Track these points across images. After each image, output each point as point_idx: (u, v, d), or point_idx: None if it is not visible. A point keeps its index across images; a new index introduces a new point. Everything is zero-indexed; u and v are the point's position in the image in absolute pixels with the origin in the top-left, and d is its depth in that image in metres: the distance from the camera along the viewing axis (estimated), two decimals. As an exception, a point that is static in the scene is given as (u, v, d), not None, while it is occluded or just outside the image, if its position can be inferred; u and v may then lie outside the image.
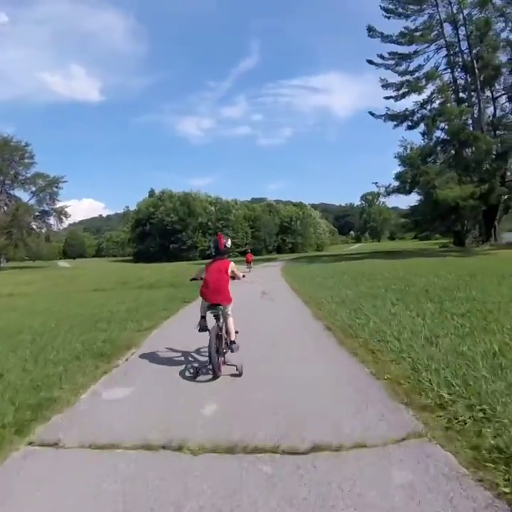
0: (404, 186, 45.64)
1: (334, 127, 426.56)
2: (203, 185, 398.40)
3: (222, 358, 6.20)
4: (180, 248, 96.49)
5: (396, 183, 46.66)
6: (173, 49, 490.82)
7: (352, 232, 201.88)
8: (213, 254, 6.69)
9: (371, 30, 47.29)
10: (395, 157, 44.59)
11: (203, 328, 6.38)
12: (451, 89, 46.89)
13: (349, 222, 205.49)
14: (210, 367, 5.90)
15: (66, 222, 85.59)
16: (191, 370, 6.25)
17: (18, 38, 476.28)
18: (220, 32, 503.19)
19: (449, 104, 42.44)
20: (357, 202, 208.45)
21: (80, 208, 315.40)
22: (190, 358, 7.01)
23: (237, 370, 5.98)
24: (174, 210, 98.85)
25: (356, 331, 7.82)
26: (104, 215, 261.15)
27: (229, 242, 6.75)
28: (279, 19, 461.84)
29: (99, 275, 38.00)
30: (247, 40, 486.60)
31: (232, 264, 6.65)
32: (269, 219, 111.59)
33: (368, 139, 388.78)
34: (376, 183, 47.50)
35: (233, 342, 6.54)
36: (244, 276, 7.11)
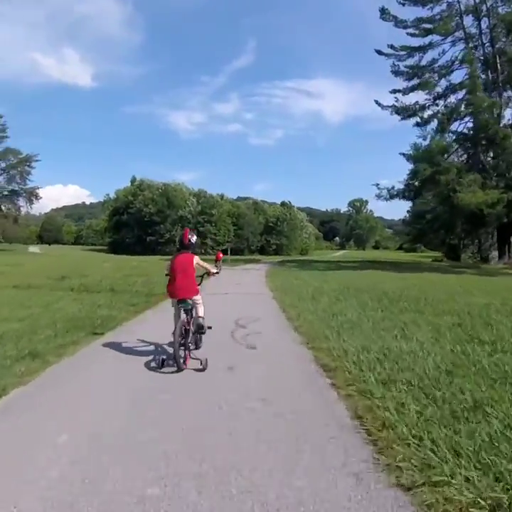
0: (408, 190, 40.41)
1: (325, 132, 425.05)
2: (187, 180, 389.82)
3: (188, 352, 6.23)
4: (158, 241, 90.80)
5: (400, 186, 41.39)
6: (168, 40, 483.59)
7: (337, 238, 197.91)
8: (178, 247, 6.93)
9: (384, 13, 42.04)
10: (409, 151, 38.80)
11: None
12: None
13: (334, 228, 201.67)
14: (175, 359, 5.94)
15: (48, 207, 79.33)
16: (157, 361, 6.27)
17: (11, 17, 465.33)
18: (217, 27, 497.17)
19: (478, 93, 36.86)
20: (343, 208, 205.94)
21: (65, 193, 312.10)
22: None
23: (201, 364, 6.01)
24: (153, 200, 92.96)
25: None
26: (88, 202, 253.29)
27: (194, 238, 6.82)
28: (277, 19, 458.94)
29: (47, 265, 31.75)
30: (243, 37, 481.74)
31: (196, 257, 6.62)
32: (254, 218, 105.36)
33: (357, 147, 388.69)
34: (377, 184, 41.58)
35: (201, 316, 6.70)
36: (217, 273, 7.19)
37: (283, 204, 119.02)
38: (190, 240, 6.68)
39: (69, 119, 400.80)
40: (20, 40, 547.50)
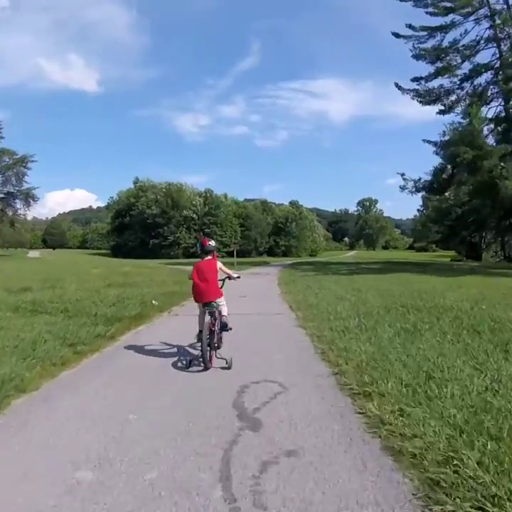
0: (437, 181, 36.11)
1: (330, 133, 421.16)
2: (195, 183, 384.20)
3: (214, 352, 6.52)
4: (161, 244, 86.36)
5: (427, 178, 37.10)
6: (173, 44, 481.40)
7: (346, 238, 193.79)
8: (199, 252, 7.23)
9: (401, -9, 38.29)
10: (440, 137, 34.63)
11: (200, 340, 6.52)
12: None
13: (343, 229, 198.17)
14: (202, 359, 6.23)
15: (55, 211, 76.20)
16: (184, 362, 6.53)
17: (18, 23, 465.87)
18: (222, 30, 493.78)
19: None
20: (352, 208, 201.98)
21: (73, 198, 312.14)
22: None
23: (226, 363, 6.27)
24: (156, 201, 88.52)
25: None
26: (95, 206, 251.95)
27: (212, 242, 7.12)
28: (281, 21, 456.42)
29: (24, 272, 26.94)
30: (248, 40, 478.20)
31: (219, 262, 6.92)
32: (262, 218, 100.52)
33: (363, 147, 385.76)
34: (403, 174, 37.20)
35: (224, 315, 6.94)
36: (238, 277, 7.50)
37: (292, 204, 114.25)
38: (209, 243, 6.98)
39: (76, 124, 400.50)
40: (25, 46, 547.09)
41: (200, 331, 6.52)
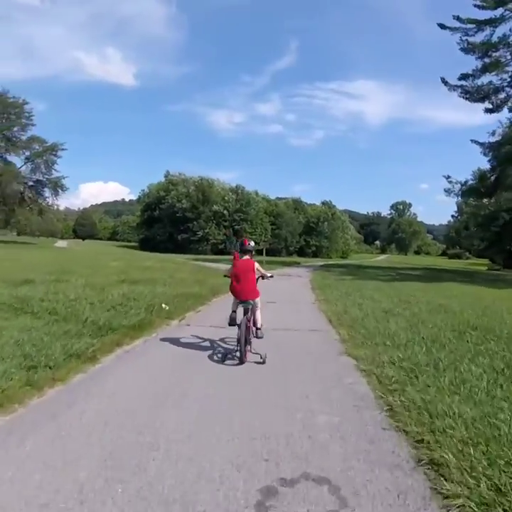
0: (482, 186, 33.56)
1: (366, 134, 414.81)
2: (226, 180, 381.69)
3: (249, 347, 6.61)
4: (190, 239, 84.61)
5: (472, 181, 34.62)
6: (211, 40, 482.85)
7: (378, 241, 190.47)
8: (239, 250, 7.22)
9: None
10: (493, 133, 32.17)
11: (232, 322, 6.85)
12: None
13: (374, 232, 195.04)
14: (238, 354, 6.44)
15: (88, 202, 75.95)
16: (219, 355, 6.75)
17: (54, 16, 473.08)
18: (260, 27, 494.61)
19: None
20: (384, 211, 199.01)
21: (106, 190, 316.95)
22: None
23: (261, 358, 6.43)
24: (187, 195, 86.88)
25: None
26: (127, 199, 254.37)
27: (252, 243, 7.35)
28: (319, 21, 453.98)
29: (39, 262, 25.13)
30: (285, 38, 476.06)
31: (256, 263, 7.08)
32: (294, 217, 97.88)
33: (396, 150, 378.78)
34: (448, 176, 34.74)
35: (259, 328, 7.07)
36: (271, 276, 7.57)
37: (324, 203, 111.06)
38: (249, 243, 7.18)
39: (112, 117, 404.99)
40: (63, 39, 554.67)
41: (233, 312, 6.89)
